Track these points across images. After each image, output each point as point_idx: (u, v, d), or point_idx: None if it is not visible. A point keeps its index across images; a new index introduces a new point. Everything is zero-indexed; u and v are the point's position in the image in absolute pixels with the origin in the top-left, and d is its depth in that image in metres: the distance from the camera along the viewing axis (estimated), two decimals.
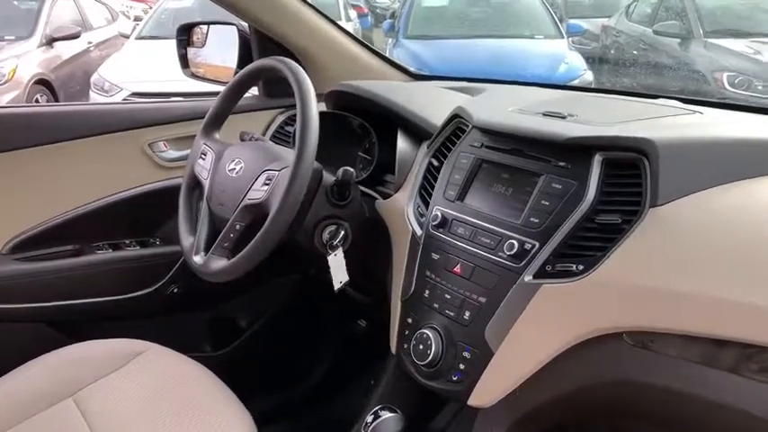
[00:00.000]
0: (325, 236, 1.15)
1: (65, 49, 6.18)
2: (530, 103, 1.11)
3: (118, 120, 1.47)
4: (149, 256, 1.50)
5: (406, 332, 1.05)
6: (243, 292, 1.61)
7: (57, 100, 5.85)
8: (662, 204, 0.81)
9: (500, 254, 0.93)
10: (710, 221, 0.80)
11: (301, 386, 1.76)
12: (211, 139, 1.26)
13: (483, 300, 0.93)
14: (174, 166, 1.51)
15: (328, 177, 1.15)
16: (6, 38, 5.81)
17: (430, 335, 0.98)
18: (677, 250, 0.79)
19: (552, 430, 0.97)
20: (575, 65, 5.55)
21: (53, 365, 1.14)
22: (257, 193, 1.09)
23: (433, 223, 1.04)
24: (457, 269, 0.98)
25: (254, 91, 1.54)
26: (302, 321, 1.75)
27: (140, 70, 5.15)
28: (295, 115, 1.56)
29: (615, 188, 0.86)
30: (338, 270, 1.15)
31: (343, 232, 1.15)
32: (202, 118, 1.27)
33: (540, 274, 0.88)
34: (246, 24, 1.55)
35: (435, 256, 1.02)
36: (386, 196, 1.24)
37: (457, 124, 1.12)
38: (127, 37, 6.46)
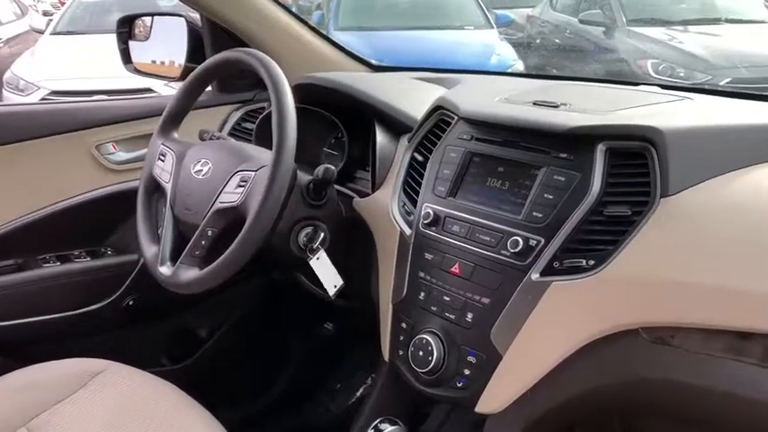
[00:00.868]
0: (302, 238, 1.09)
1: None
2: (514, 92, 1.07)
3: (60, 120, 1.36)
4: (101, 268, 1.41)
5: (401, 338, 1.00)
6: (203, 300, 1.52)
7: None
8: (673, 194, 0.79)
9: (502, 252, 0.88)
10: (725, 209, 0.78)
11: (268, 394, 1.69)
12: (170, 138, 1.18)
13: (486, 301, 0.89)
14: (125, 169, 1.41)
15: (302, 176, 1.09)
16: None
17: (430, 340, 0.93)
18: (695, 241, 0.77)
19: (563, 430, 0.94)
20: (505, 55, 5.65)
21: (1, 393, 1.03)
22: (231, 195, 1.02)
23: (425, 221, 0.98)
24: (455, 269, 0.93)
25: None
26: (266, 327, 1.68)
27: (59, 67, 4.81)
28: (253, 111, 1.51)
29: (621, 179, 0.83)
30: (327, 274, 1.09)
31: (321, 234, 1.09)
32: (153, 116, 1.18)
33: (548, 271, 0.84)
34: (196, 16, 1.47)
35: (429, 257, 0.97)
36: (361, 194, 1.18)
37: (440, 116, 1.07)
38: (40, 32, 6.09)
